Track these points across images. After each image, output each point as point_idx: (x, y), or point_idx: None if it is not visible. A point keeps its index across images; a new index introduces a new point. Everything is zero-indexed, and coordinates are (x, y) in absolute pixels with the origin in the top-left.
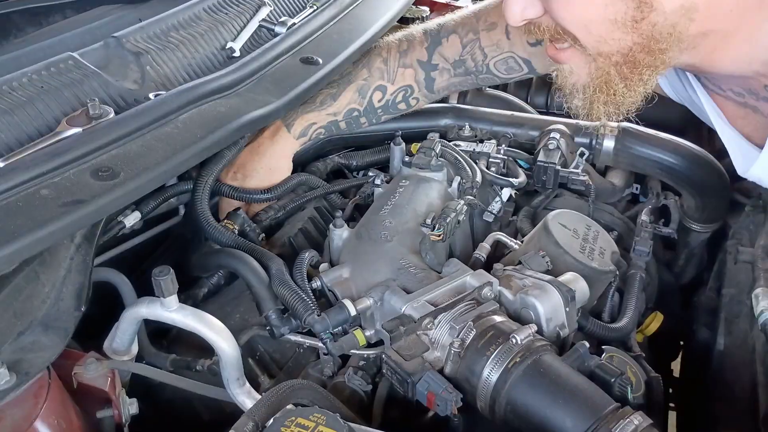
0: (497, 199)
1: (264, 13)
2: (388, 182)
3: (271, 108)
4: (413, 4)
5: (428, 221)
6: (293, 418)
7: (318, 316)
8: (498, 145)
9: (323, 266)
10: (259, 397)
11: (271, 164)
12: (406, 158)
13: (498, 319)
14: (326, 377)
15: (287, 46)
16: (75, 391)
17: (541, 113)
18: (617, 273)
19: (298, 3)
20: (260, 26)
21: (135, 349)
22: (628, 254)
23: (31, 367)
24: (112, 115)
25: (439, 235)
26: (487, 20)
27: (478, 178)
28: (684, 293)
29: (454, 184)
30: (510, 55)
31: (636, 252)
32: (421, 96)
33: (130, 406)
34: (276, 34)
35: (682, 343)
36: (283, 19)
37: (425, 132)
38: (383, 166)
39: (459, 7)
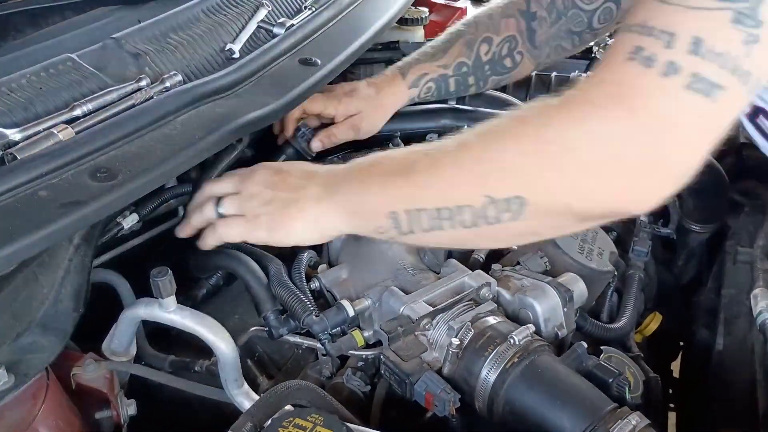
0: None
1: (262, 14)
2: None
3: (270, 109)
4: (412, 4)
5: None
6: (291, 419)
7: (316, 316)
8: None
9: (322, 267)
10: (258, 397)
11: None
12: None
13: (496, 319)
14: (325, 378)
15: (286, 47)
16: (73, 392)
17: None
18: (616, 273)
19: (296, 4)
20: (259, 27)
21: (133, 350)
22: (627, 254)
23: (30, 368)
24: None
25: None
26: None
27: None
28: (683, 293)
29: None
30: None
31: (635, 252)
32: (525, 50)
33: (129, 407)
34: (274, 35)
35: (681, 343)
36: (281, 20)
37: (424, 133)
38: None
39: (457, 8)
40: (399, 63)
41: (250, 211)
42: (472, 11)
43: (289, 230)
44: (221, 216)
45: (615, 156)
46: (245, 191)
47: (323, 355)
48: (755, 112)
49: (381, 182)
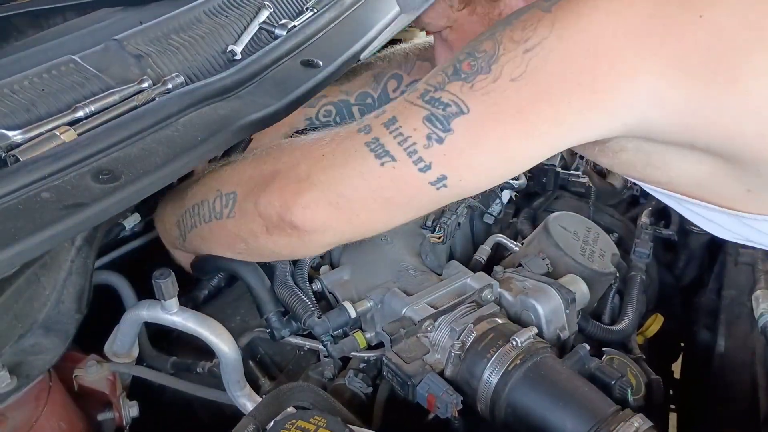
0: (497, 200)
1: (264, 15)
2: None
3: (272, 110)
4: None
5: (428, 223)
6: (294, 421)
7: (318, 318)
8: None
9: (324, 268)
10: (260, 399)
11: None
12: None
13: (498, 321)
14: (327, 379)
15: (287, 48)
16: (76, 393)
17: None
18: (617, 275)
19: (298, 5)
20: (260, 28)
21: (136, 351)
22: (629, 256)
23: (32, 369)
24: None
25: (440, 237)
26: None
27: None
28: (684, 295)
29: None
30: None
31: (636, 254)
32: None
33: (131, 409)
34: (276, 37)
35: (682, 344)
36: (283, 21)
37: None
38: None
39: None
40: None
41: None
42: None
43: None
44: None
45: (291, 170)
46: None
47: (325, 356)
48: None
49: (171, 203)
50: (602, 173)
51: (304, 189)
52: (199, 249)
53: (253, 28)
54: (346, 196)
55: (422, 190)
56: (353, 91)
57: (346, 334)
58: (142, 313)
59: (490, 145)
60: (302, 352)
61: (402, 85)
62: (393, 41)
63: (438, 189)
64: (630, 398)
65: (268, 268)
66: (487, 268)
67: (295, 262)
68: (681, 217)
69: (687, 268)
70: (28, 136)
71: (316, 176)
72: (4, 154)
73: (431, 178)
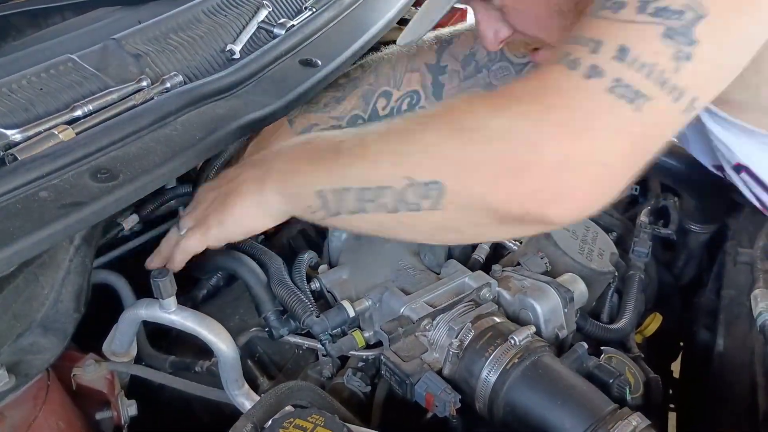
0: None
1: (263, 14)
2: None
3: (270, 109)
4: (412, 5)
5: None
6: (292, 420)
7: (317, 317)
8: None
9: (322, 267)
10: (258, 398)
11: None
12: None
13: (496, 320)
14: (325, 378)
15: (286, 47)
16: (74, 392)
17: None
18: (616, 274)
19: (297, 4)
20: (259, 28)
21: (134, 350)
22: (627, 255)
23: (31, 368)
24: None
25: None
26: None
27: None
28: (683, 294)
29: None
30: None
31: (635, 253)
32: (428, 105)
33: (129, 408)
34: (275, 36)
35: (681, 344)
36: (282, 20)
37: None
38: None
39: (457, 9)
40: None
41: (200, 216)
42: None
43: (237, 218)
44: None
45: (529, 151)
46: (194, 204)
47: (324, 355)
48: (738, 169)
49: (309, 161)
50: None
51: (563, 180)
52: (358, 230)
53: (252, 27)
54: (607, 165)
55: (675, 122)
56: (344, 116)
57: (344, 333)
58: (140, 312)
59: (732, 44)
60: (301, 351)
61: (391, 101)
62: (377, 46)
63: (686, 114)
64: (628, 397)
65: (264, 267)
66: (486, 267)
67: (292, 262)
68: (680, 216)
69: (686, 267)
70: (26, 135)
71: (569, 154)
72: (2, 153)
73: (683, 105)
